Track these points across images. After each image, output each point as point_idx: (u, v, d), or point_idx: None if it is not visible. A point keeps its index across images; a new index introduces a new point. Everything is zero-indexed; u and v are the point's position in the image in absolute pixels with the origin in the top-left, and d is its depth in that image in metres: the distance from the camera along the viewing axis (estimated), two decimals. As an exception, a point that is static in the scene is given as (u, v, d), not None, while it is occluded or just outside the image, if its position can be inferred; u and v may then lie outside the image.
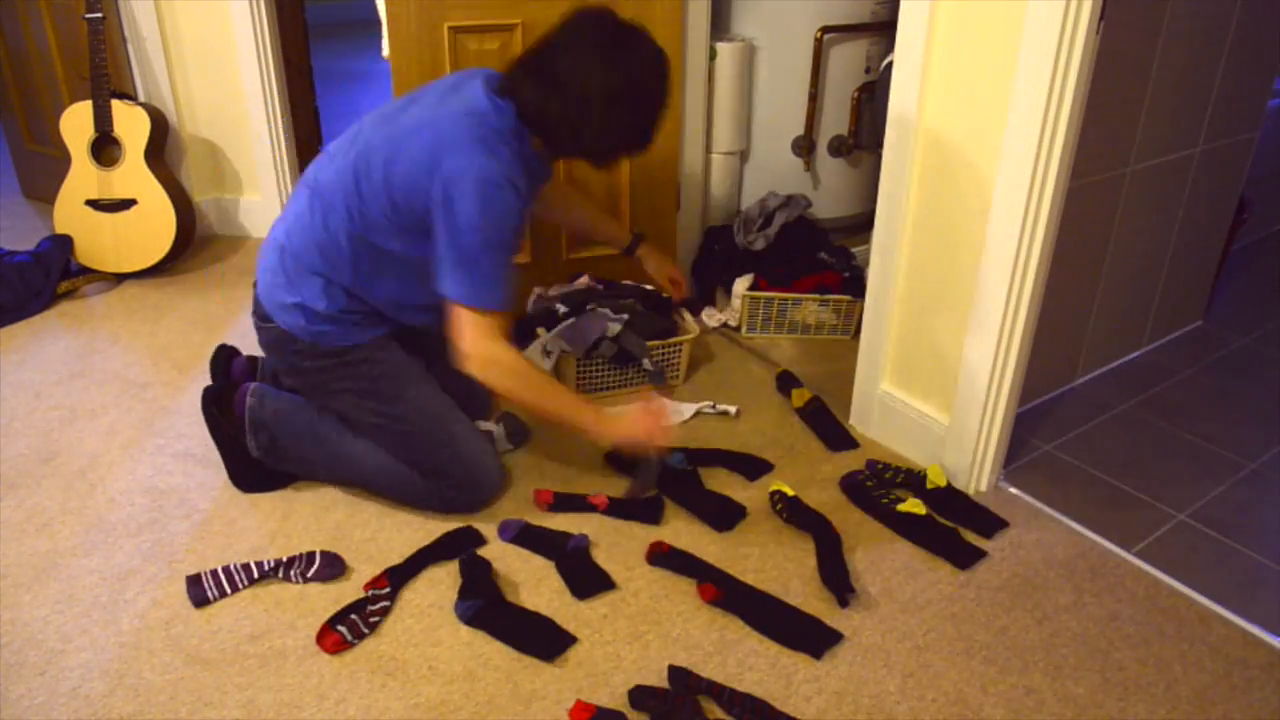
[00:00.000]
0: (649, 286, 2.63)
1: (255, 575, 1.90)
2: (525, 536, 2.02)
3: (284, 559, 1.93)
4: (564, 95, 1.79)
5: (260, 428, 2.08)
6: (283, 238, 1.99)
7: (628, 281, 2.70)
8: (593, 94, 1.77)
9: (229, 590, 1.87)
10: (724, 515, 2.09)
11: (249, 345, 2.33)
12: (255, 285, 2.04)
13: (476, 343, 1.85)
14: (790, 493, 2.13)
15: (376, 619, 1.81)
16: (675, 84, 2.72)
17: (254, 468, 2.13)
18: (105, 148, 3.10)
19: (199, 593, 1.85)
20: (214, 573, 1.89)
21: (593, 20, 1.81)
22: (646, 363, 2.39)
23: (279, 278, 1.98)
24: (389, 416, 2.00)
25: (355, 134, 1.95)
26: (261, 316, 2.01)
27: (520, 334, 2.58)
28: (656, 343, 2.53)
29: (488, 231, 1.79)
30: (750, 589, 1.90)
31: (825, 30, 2.89)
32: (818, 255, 2.94)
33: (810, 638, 1.78)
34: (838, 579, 1.91)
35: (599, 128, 1.82)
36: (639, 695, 1.64)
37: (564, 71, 1.79)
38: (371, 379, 1.99)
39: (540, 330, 2.52)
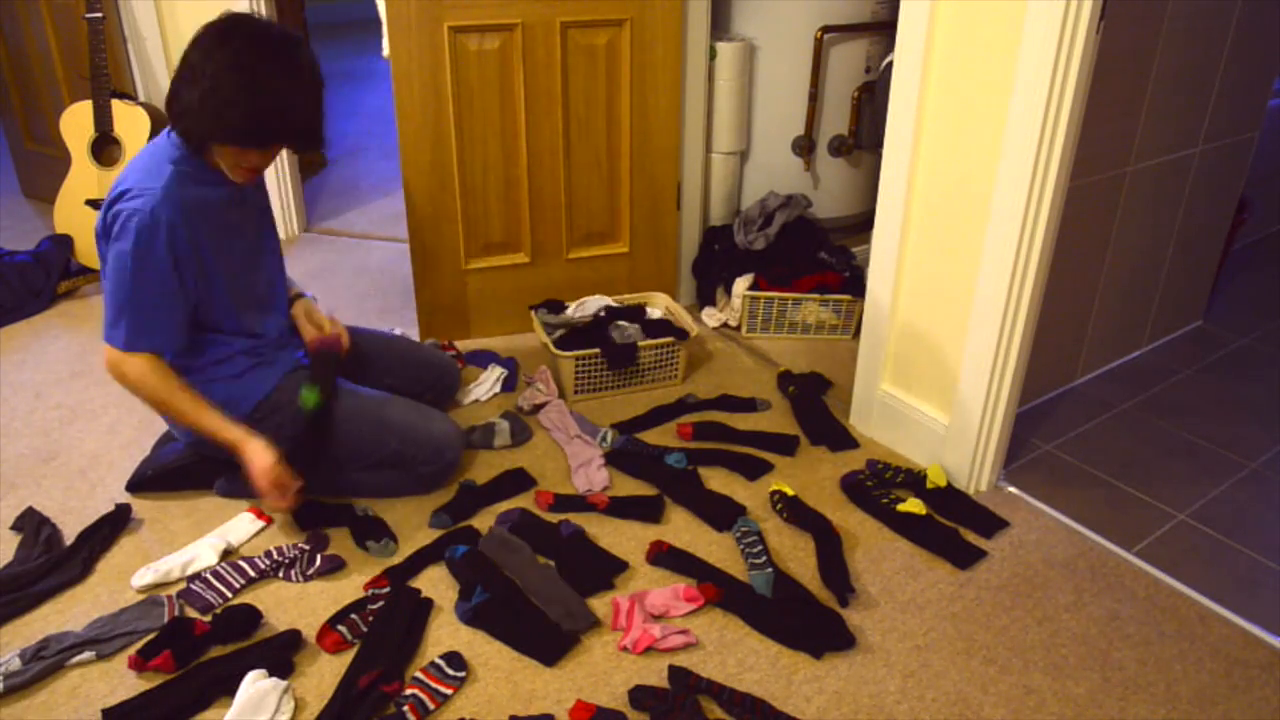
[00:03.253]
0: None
1: (251, 574, 1.90)
2: (521, 527, 2.03)
3: (285, 559, 1.93)
4: (185, 86, 1.76)
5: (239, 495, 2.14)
6: None
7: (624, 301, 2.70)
8: (182, 77, 1.76)
9: (228, 594, 1.87)
10: (724, 515, 2.09)
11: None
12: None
13: (110, 364, 1.89)
14: (790, 492, 2.13)
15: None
16: (673, 84, 2.72)
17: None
18: (105, 147, 3.10)
19: (200, 600, 1.85)
20: (204, 579, 1.89)
21: (213, 21, 1.79)
22: None
23: None
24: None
25: None
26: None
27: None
28: (654, 341, 2.53)
29: (133, 266, 1.79)
30: (750, 589, 1.90)
31: (825, 30, 2.89)
32: (818, 255, 2.94)
33: (813, 636, 1.78)
34: (838, 579, 1.91)
35: (193, 107, 1.75)
36: (639, 695, 1.64)
37: (176, 69, 1.79)
38: (289, 422, 2.01)
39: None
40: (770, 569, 1.92)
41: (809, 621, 1.81)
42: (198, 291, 1.91)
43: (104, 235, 1.84)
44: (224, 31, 1.76)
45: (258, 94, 1.75)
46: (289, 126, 1.82)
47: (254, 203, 2.05)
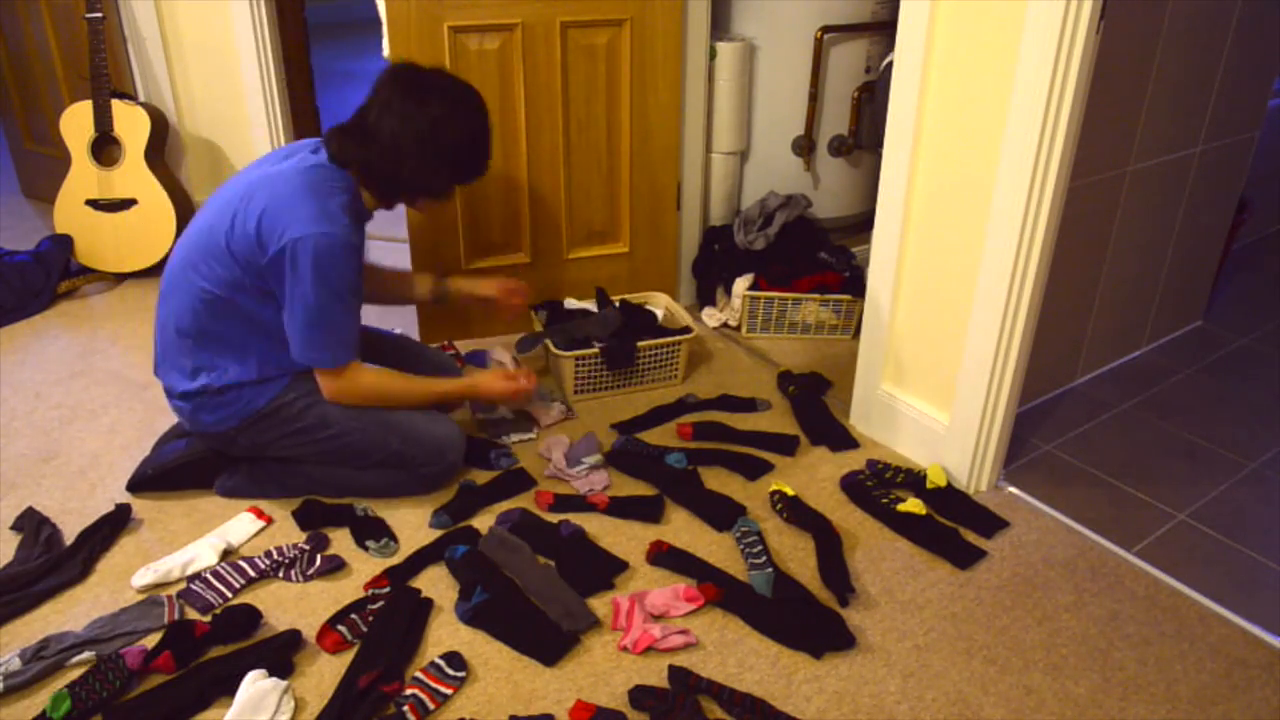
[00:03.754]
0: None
1: (251, 574, 1.90)
2: (521, 527, 2.03)
3: (285, 559, 1.93)
4: (379, 145, 1.90)
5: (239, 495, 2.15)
6: (160, 327, 2.05)
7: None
8: (401, 138, 1.89)
9: (228, 594, 1.87)
10: (724, 515, 2.09)
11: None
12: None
13: (337, 390, 2.00)
14: (790, 492, 2.13)
15: (376, 619, 1.81)
16: (673, 84, 2.73)
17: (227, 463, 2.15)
18: (105, 147, 3.10)
19: (200, 600, 1.85)
20: (204, 579, 1.89)
21: (393, 72, 1.93)
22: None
23: (174, 372, 2.03)
24: (329, 440, 2.04)
25: (197, 218, 2.01)
26: (189, 427, 2.11)
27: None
28: (654, 341, 2.53)
29: (332, 293, 1.87)
30: (750, 589, 1.90)
31: (825, 30, 2.89)
32: (818, 255, 2.94)
33: (813, 636, 1.78)
34: (838, 579, 1.91)
35: (416, 167, 1.93)
36: (639, 695, 1.64)
37: (373, 124, 1.90)
38: (295, 419, 2.03)
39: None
40: (770, 569, 1.92)
41: (809, 621, 1.81)
42: None
43: (262, 246, 1.85)
44: (421, 90, 1.89)
45: (485, 131, 2.01)
46: (491, 142, 2.05)
47: None
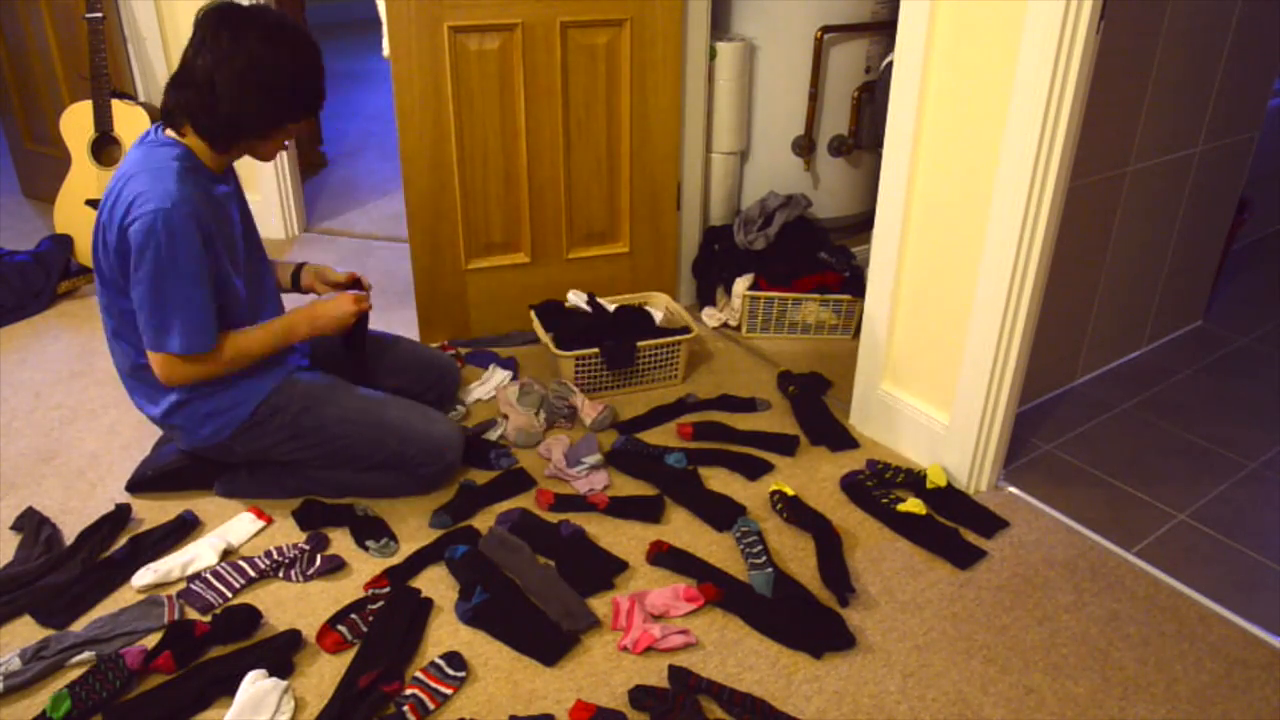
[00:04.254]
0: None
1: (251, 574, 1.90)
2: (521, 527, 2.03)
3: (285, 559, 1.93)
4: (197, 86, 1.81)
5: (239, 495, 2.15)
6: (118, 366, 2.02)
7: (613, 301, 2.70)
8: (215, 75, 1.79)
9: (228, 594, 1.87)
10: (724, 515, 2.09)
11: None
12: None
13: (173, 379, 1.89)
14: (790, 492, 2.13)
15: (376, 619, 1.81)
16: (673, 84, 2.72)
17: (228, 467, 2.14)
18: (105, 147, 3.10)
19: (200, 600, 1.85)
20: (204, 579, 1.89)
21: (207, 12, 1.83)
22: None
23: (145, 401, 2.01)
24: (324, 442, 2.04)
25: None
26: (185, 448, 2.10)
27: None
28: (654, 341, 2.53)
29: (176, 270, 1.78)
30: (750, 589, 1.90)
31: (825, 30, 2.89)
32: (818, 255, 2.94)
33: (813, 636, 1.78)
34: (838, 579, 1.91)
35: (235, 105, 1.81)
36: (639, 695, 1.64)
37: (190, 65, 1.82)
38: (289, 424, 2.02)
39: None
40: (770, 569, 1.92)
41: (809, 621, 1.81)
42: (218, 291, 1.90)
43: (122, 250, 1.80)
44: (233, 25, 1.78)
45: (306, 65, 1.86)
46: (322, 81, 1.92)
47: (243, 200, 2.05)
